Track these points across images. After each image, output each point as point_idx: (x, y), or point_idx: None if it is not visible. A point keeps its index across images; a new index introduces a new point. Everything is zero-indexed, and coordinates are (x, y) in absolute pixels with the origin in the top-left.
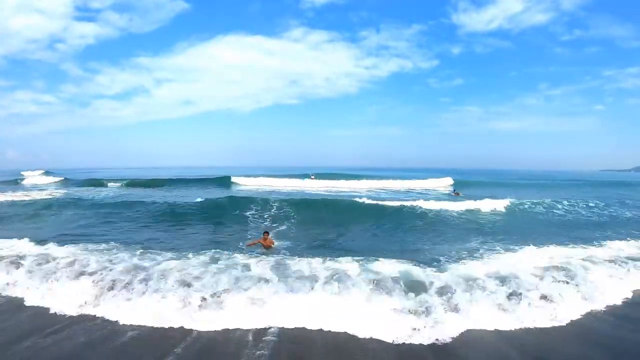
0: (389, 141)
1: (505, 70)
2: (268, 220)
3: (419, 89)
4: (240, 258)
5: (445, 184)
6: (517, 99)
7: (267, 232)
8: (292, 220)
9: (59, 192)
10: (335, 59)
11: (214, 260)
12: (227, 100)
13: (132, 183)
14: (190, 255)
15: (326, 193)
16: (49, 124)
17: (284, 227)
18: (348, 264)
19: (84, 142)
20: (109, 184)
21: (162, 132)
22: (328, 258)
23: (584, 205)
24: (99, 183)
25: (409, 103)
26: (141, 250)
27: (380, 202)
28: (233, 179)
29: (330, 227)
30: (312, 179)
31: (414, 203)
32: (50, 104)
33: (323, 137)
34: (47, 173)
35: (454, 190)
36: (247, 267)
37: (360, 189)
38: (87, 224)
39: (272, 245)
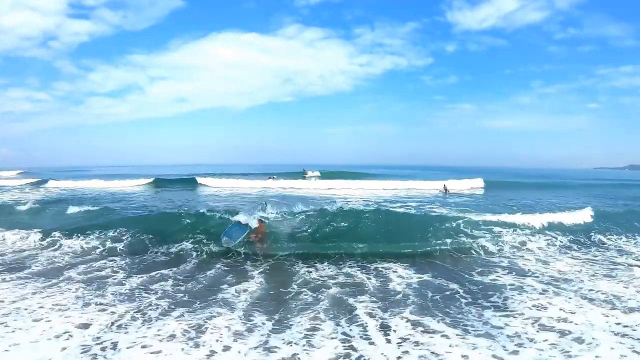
0: (384, 139)
1: (500, 69)
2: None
3: (414, 87)
4: None
5: (477, 185)
6: (511, 97)
7: (261, 220)
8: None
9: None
10: (329, 56)
11: None
12: (222, 98)
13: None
14: None
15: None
16: (42, 122)
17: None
18: None
19: (77, 140)
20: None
21: (156, 130)
22: None
23: None
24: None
25: (404, 101)
26: None
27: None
28: (213, 181)
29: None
30: (308, 175)
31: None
32: (44, 102)
33: (318, 134)
34: (25, 174)
35: (444, 187)
36: None
37: (355, 189)
38: None
39: (265, 232)
